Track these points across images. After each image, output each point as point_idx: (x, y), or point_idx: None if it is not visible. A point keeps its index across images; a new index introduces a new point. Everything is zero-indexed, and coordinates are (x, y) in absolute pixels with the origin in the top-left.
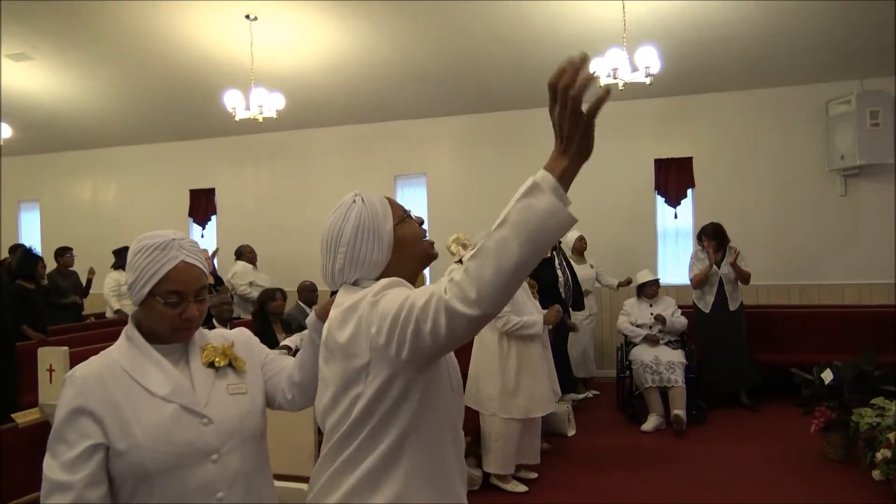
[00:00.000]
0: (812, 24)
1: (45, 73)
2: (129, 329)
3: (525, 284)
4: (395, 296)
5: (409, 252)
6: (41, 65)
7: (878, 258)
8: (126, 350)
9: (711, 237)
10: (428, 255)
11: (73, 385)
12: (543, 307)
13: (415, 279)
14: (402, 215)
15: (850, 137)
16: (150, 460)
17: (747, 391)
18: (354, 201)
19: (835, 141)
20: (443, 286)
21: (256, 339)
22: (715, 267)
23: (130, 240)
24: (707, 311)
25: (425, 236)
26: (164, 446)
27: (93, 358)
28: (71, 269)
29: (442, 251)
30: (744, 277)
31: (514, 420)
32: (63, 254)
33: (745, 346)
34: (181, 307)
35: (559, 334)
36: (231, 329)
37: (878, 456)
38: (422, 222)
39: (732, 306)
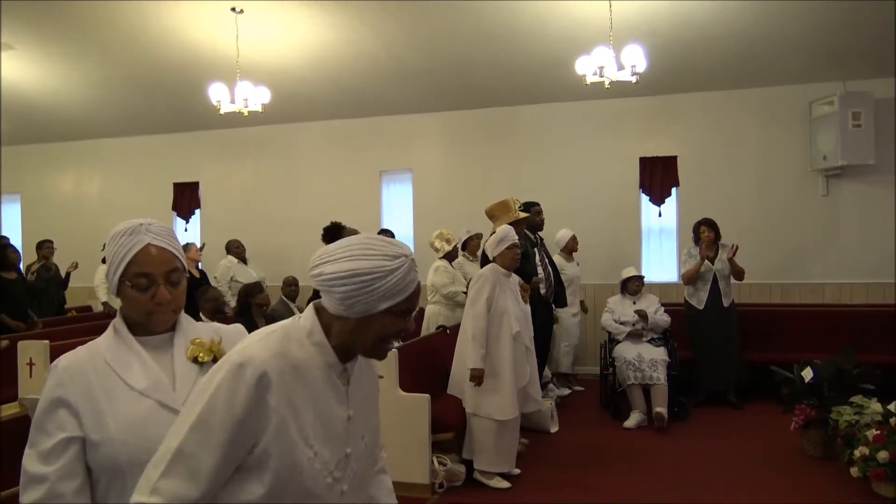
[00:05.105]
0: (796, 25)
1: (27, 63)
2: (118, 321)
3: (520, 296)
4: (208, 392)
5: (365, 334)
6: (23, 54)
7: (858, 258)
8: (111, 342)
9: (711, 227)
10: (374, 354)
11: (54, 375)
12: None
13: (358, 352)
14: (400, 310)
15: (832, 138)
16: (122, 453)
17: (734, 389)
18: (399, 257)
19: (817, 141)
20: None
21: None
22: (709, 263)
23: None
24: (700, 307)
25: (392, 338)
26: (137, 441)
27: (79, 348)
28: (51, 260)
29: (426, 247)
30: (739, 273)
31: (489, 419)
32: (42, 246)
33: (737, 344)
34: (151, 290)
35: (541, 334)
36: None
37: (857, 453)
38: (403, 330)
39: (725, 302)
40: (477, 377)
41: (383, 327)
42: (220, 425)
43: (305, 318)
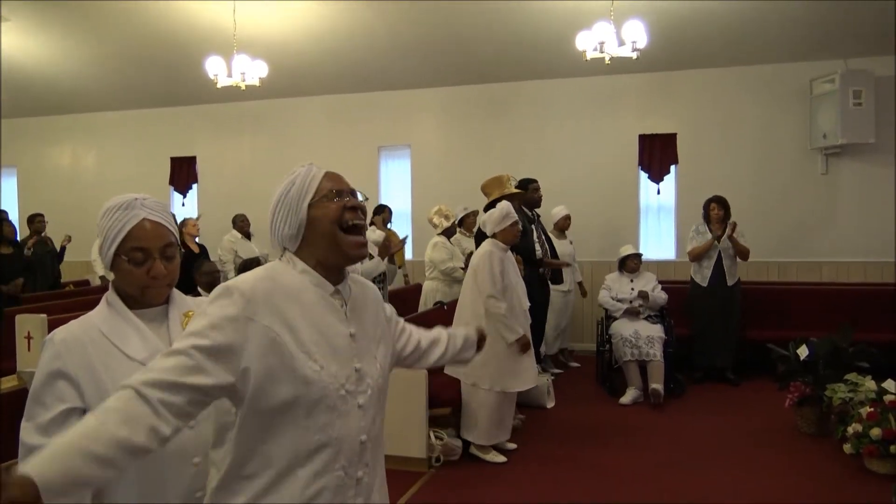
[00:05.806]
0: (797, 2)
1: (24, 35)
2: (110, 294)
3: (516, 268)
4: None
5: (319, 236)
6: (19, 26)
7: (857, 237)
8: (106, 314)
9: (721, 205)
10: (342, 250)
11: (51, 348)
12: (525, 281)
13: (337, 266)
14: (325, 194)
15: (832, 116)
16: None
17: (732, 366)
18: (294, 172)
19: (817, 119)
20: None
21: None
22: (715, 241)
23: None
24: (704, 284)
25: (348, 222)
26: None
27: (70, 322)
28: (44, 234)
29: (424, 222)
30: (742, 253)
31: (495, 391)
32: (34, 219)
33: (739, 322)
34: (147, 264)
35: (537, 312)
36: None
37: (850, 430)
38: (355, 207)
39: (730, 281)
40: (524, 343)
41: (324, 215)
42: (210, 337)
43: (283, 258)
